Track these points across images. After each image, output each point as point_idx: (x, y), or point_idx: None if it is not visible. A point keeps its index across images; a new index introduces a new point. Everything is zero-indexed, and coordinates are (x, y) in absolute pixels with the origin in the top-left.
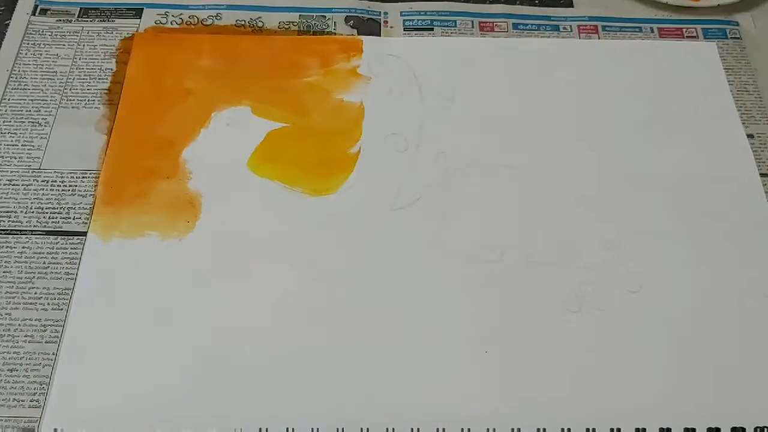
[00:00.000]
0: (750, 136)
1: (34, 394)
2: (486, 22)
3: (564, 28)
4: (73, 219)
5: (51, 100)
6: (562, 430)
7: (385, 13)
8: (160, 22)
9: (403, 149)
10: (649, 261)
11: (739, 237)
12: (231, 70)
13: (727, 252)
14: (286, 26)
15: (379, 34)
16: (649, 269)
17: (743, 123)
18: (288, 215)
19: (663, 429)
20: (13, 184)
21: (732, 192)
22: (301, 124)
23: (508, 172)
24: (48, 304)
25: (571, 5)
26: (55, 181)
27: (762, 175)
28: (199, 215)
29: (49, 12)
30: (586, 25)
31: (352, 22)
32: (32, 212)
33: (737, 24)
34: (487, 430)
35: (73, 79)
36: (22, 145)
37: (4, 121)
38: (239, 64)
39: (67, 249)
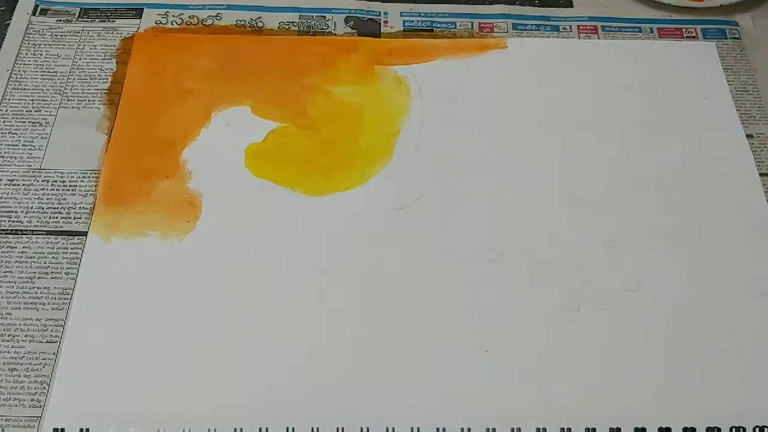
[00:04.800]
0: (749, 136)
1: (35, 393)
2: (486, 23)
3: (564, 28)
4: (74, 219)
5: (51, 100)
6: (562, 429)
7: (385, 14)
8: (160, 22)
9: (403, 149)
10: (648, 260)
11: (739, 236)
12: (231, 70)
13: (727, 251)
14: (286, 26)
15: (379, 35)
16: (649, 268)
17: (743, 123)
18: (288, 215)
19: (663, 429)
20: (14, 184)
21: (732, 192)
22: (301, 124)
23: (508, 171)
24: (48, 303)
25: (570, 5)
26: (56, 181)
27: (762, 175)
28: (199, 215)
29: (49, 12)
30: (585, 25)
31: (352, 22)
32: (33, 212)
33: (737, 24)
34: (487, 430)
35: (74, 79)
36: (22, 145)
37: (4, 121)
38: (239, 64)
39: (67, 249)
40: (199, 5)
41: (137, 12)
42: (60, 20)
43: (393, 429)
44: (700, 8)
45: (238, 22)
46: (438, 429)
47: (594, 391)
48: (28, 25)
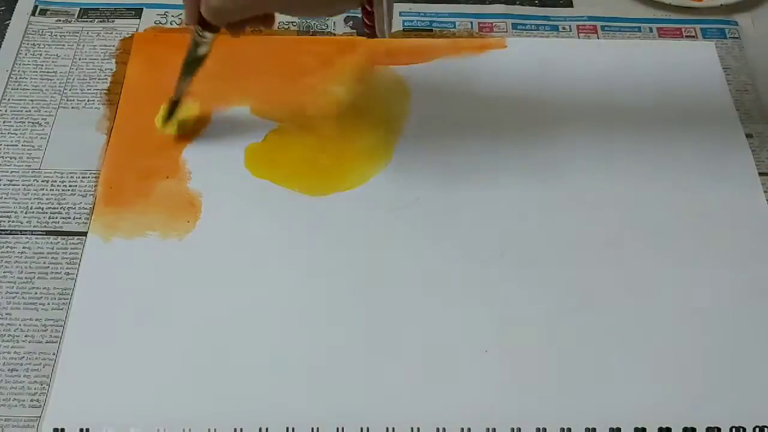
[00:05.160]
0: (749, 135)
1: (35, 393)
2: (485, 23)
3: (563, 28)
4: (73, 219)
5: (51, 100)
6: (562, 429)
7: None
8: (160, 22)
9: (403, 149)
10: (648, 260)
11: (739, 237)
12: (231, 70)
13: (727, 251)
14: (286, 26)
15: None
16: (649, 268)
17: (742, 122)
18: (288, 215)
19: (663, 429)
20: (13, 185)
21: (731, 192)
22: (301, 124)
23: (508, 171)
24: (48, 304)
25: (570, 5)
26: (55, 181)
27: (762, 174)
28: (199, 215)
29: (48, 12)
30: (585, 25)
31: (351, 22)
32: (32, 212)
33: (736, 24)
34: (487, 430)
35: (73, 79)
36: (22, 145)
37: (4, 121)
38: (239, 64)
39: (67, 249)
40: None
41: (137, 12)
42: (59, 20)
43: (393, 429)
44: (700, 8)
45: None
46: (438, 429)
47: (594, 391)
48: (27, 25)
